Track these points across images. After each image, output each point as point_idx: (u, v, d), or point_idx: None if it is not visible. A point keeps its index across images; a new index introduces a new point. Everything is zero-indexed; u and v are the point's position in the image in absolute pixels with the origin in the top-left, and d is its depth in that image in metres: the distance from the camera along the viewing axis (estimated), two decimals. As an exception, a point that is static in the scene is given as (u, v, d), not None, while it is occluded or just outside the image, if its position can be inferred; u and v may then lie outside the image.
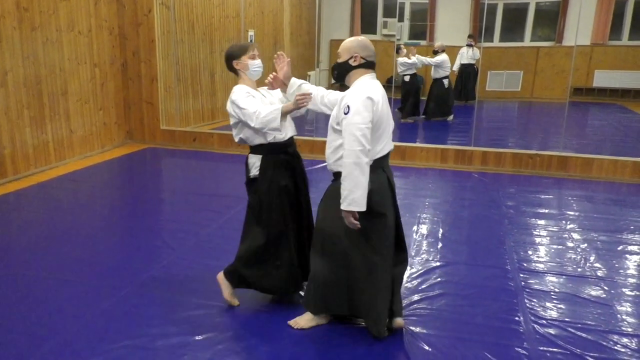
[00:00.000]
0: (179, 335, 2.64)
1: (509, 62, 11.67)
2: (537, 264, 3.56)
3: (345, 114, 2.40)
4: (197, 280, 3.22)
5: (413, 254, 3.70)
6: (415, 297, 3.08)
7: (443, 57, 9.06)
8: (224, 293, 2.91)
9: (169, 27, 6.97)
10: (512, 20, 12.04)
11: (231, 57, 2.81)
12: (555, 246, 3.88)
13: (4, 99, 5.03)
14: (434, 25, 12.22)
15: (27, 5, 5.18)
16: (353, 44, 2.58)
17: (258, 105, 2.67)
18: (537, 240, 3.99)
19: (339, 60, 2.60)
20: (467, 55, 10.39)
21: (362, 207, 2.39)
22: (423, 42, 12.38)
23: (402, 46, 9.18)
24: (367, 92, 2.43)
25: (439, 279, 3.32)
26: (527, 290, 3.18)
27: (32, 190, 4.98)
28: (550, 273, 3.43)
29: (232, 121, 2.79)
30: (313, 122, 7.22)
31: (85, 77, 6.08)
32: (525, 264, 3.54)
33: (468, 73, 10.43)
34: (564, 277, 3.38)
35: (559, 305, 3.01)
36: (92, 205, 4.73)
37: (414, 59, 8.96)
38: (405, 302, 3.01)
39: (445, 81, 9.10)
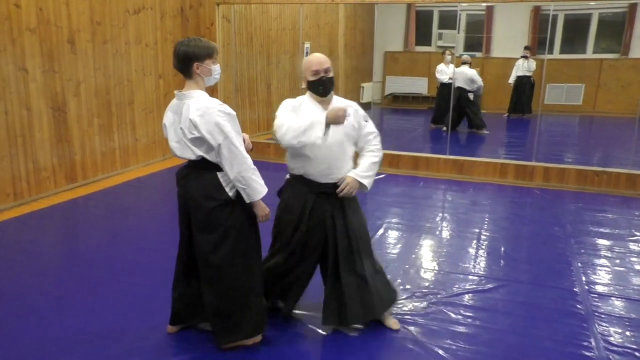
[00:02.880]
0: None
1: (569, 74, 11.27)
2: (608, 288, 3.39)
3: (366, 121, 2.76)
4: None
5: (474, 271, 3.62)
6: (479, 315, 3.00)
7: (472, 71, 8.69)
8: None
9: (229, 39, 7.16)
10: (574, 31, 11.64)
11: (194, 58, 2.37)
12: (627, 269, 3.69)
13: (77, 108, 5.30)
14: (490, 37, 11.99)
15: (100, 19, 5.46)
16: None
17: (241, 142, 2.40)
18: (608, 262, 3.80)
19: (331, 75, 2.64)
20: (522, 67, 10.14)
21: None
22: (479, 54, 12.17)
23: (447, 51, 9.01)
24: None
25: (503, 299, 3.22)
26: (598, 314, 3.04)
27: (99, 195, 5.20)
28: (623, 298, 3.25)
29: (192, 135, 2.35)
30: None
31: (150, 87, 6.33)
32: (595, 287, 3.38)
33: (524, 85, 10.18)
34: (638, 302, 3.20)
35: (634, 333, 2.85)
36: (155, 211, 4.89)
37: (448, 69, 8.80)
38: (468, 320, 2.95)
39: (471, 95, 8.71)
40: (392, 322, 2.86)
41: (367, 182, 2.69)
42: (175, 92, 2.47)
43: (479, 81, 8.59)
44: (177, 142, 2.43)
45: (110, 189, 5.40)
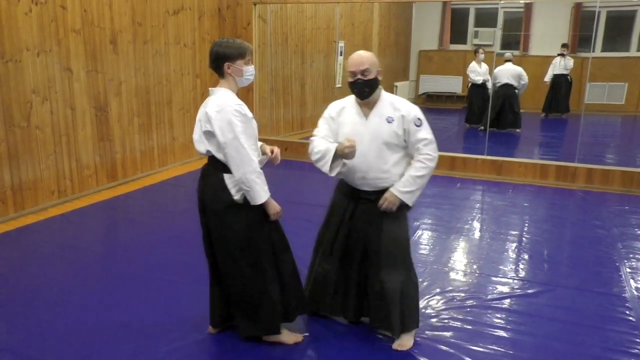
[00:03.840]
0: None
1: (611, 73, 10.91)
2: (659, 294, 3.26)
3: (418, 126, 2.51)
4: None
5: (516, 274, 3.53)
6: (523, 320, 2.92)
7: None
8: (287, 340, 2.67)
9: (265, 39, 7.20)
10: (617, 28, 11.27)
11: (225, 58, 2.39)
12: (678, 275, 3.54)
13: (118, 108, 5.42)
14: (528, 35, 11.71)
15: (141, 20, 5.56)
16: (375, 59, 2.53)
17: (253, 146, 2.39)
18: (657, 267, 3.67)
19: (370, 77, 2.48)
20: (559, 65, 9.89)
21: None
22: (516, 52, 11.90)
23: (480, 50, 8.91)
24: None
25: (547, 304, 3.13)
26: (650, 322, 2.92)
27: (139, 193, 5.30)
28: (676, 305, 3.12)
29: (205, 129, 2.38)
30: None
31: (188, 87, 6.42)
32: (645, 294, 3.26)
33: (560, 84, 9.92)
34: (692, 310, 3.07)
35: (690, 342, 2.73)
36: (192, 209, 4.89)
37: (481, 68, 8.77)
38: (512, 325, 2.88)
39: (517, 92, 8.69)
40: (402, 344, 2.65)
41: (407, 198, 2.52)
42: (209, 89, 2.51)
43: (526, 78, 8.53)
44: (198, 135, 2.46)
45: (149, 187, 5.50)
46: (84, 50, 4.94)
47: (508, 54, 8.80)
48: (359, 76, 2.48)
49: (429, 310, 3.01)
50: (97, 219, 4.66)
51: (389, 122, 2.52)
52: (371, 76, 2.49)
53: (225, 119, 2.32)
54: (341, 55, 9.13)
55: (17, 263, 3.64)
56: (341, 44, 9.10)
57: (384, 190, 2.55)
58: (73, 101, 4.90)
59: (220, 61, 2.40)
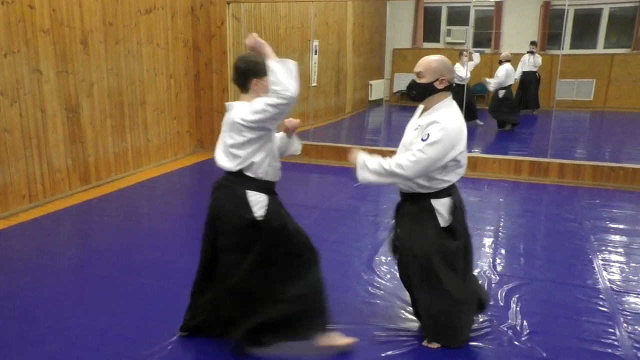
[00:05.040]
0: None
1: (580, 70, 11.20)
2: (631, 285, 3.35)
3: (423, 140, 2.39)
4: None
5: (493, 269, 3.58)
6: (500, 314, 2.96)
7: (503, 68, 8.89)
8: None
9: (239, 38, 7.14)
10: (584, 26, 11.56)
11: (253, 74, 2.38)
12: (648, 266, 3.65)
13: (90, 109, 5.30)
14: (499, 33, 11.92)
15: (112, 20, 5.45)
16: (439, 64, 2.47)
17: None
18: (630, 259, 3.76)
19: (422, 81, 2.48)
20: (528, 62, 10.10)
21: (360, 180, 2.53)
22: (487, 50, 12.10)
23: (464, 52, 9.01)
24: (458, 127, 2.43)
25: (524, 297, 3.19)
26: (624, 312, 3.00)
27: (113, 196, 5.20)
28: (647, 295, 3.22)
29: (241, 139, 2.35)
30: (380, 131, 7.18)
31: (161, 87, 6.32)
32: (618, 285, 3.34)
33: (529, 81, 10.15)
34: (662, 300, 3.17)
35: (661, 331, 2.82)
36: (167, 212, 4.88)
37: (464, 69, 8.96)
38: (491, 319, 2.91)
39: (501, 92, 8.83)
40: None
41: (360, 168, 2.49)
42: (225, 104, 2.49)
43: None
44: (223, 152, 2.46)
45: (123, 190, 5.40)
46: (53, 51, 4.82)
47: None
48: (415, 77, 2.52)
49: (408, 308, 3.03)
50: (71, 224, 4.55)
51: (414, 129, 2.53)
52: (423, 80, 2.48)
53: (242, 119, 2.32)
54: (316, 54, 9.13)
55: (-13, 271, 3.53)
56: (315, 42, 9.11)
57: (413, 194, 2.56)
58: (43, 103, 4.77)
59: (250, 76, 2.37)
